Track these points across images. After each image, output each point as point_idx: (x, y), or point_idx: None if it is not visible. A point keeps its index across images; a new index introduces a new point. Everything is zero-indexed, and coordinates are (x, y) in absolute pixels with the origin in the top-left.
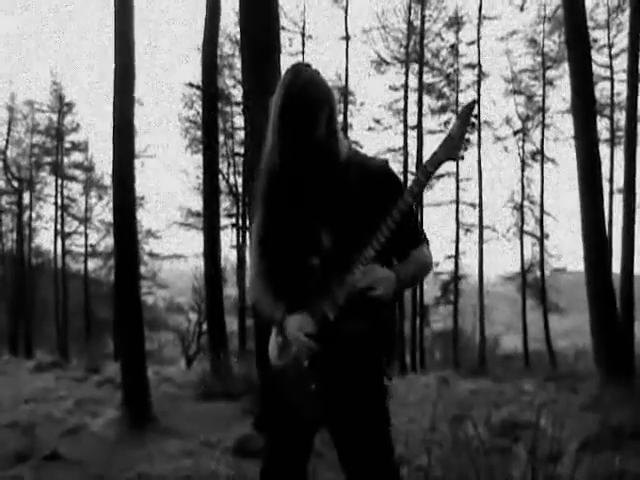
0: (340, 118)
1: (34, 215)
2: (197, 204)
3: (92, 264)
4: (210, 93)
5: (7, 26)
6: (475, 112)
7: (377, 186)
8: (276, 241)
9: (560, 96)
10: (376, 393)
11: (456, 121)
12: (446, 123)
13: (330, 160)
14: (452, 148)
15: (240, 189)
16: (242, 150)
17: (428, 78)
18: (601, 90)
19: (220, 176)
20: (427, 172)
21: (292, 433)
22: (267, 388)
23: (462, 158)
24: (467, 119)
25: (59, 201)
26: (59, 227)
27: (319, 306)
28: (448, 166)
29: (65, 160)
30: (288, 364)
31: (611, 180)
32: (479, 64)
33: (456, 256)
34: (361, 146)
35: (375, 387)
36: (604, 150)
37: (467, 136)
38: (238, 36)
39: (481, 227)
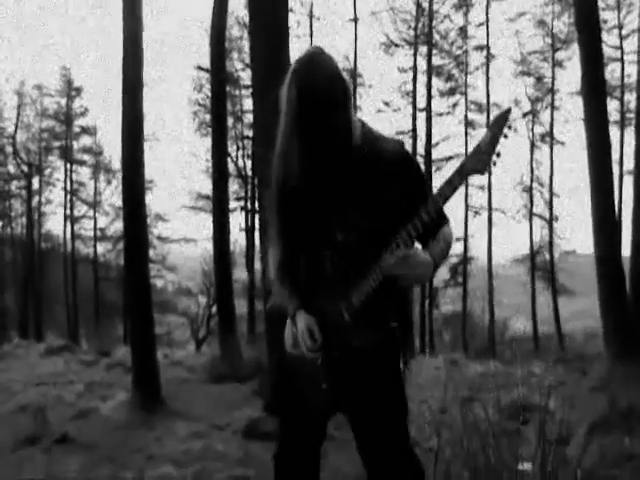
0: None
1: (43, 200)
2: (206, 187)
3: (101, 248)
4: (219, 77)
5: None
6: (509, 123)
7: (393, 175)
8: (292, 234)
9: (570, 78)
10: (392, 382)
11: (488, 132)
12: (455, 105)
13: (346, 148)
14: (480, 161)
15: (249, 172)
16: (251, 133)
17: (437, 60)
18: (611, 71)
19: (229, 159)
20: (453, 184)
21: (305, 420)
22: (280, 374)
23: (490, 173)
24: (500, 131)
25: (68, 185)
26: (68, 211)
27: (334, 307)
28: (457, 149)
29: (74, 144)
30: (302, 356)
31: (621, 162)
32: (488, 46)
33: (465, 239)
34: None
35: (391, 376)
36: (614, 132)
37: (498, 149)
38: (247, 19)
39: (490, 209)
